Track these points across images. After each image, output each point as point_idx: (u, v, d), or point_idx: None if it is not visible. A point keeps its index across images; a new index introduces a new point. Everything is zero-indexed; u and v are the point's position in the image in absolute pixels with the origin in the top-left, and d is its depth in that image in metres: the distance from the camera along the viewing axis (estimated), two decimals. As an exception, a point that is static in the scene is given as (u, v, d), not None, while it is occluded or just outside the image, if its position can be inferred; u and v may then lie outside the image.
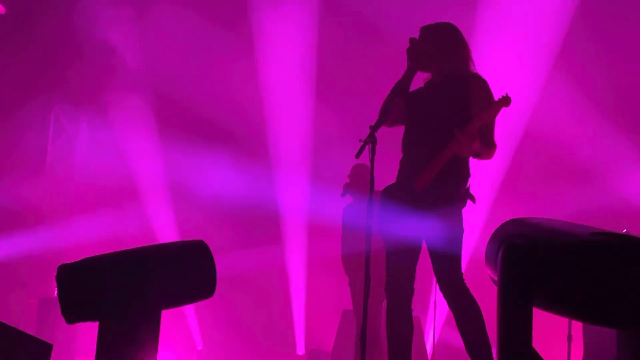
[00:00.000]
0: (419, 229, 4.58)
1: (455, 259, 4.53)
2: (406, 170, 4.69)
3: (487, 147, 4.53)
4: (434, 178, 4.51)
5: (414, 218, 4.54)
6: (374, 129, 4.35)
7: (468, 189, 4.61)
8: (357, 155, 4.31)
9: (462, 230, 4.57)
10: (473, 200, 4.59)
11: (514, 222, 3.07)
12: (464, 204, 4.59)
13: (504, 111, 4.46)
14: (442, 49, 4.68)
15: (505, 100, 4.42)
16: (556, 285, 2.74)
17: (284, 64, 10.22)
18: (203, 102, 10.05)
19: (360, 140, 4.32)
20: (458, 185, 4.59)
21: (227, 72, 10.20)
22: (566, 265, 2.69)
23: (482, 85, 4.61)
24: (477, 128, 4.43)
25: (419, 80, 4.76)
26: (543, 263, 2.74)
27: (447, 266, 4.53)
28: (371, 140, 4.32)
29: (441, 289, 4.58)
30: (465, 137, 4.40)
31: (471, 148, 4.46)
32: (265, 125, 10.32)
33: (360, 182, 7.30)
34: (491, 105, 4.45)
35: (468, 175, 4.64)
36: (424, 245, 4.68)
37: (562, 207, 8.31)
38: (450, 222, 4.52)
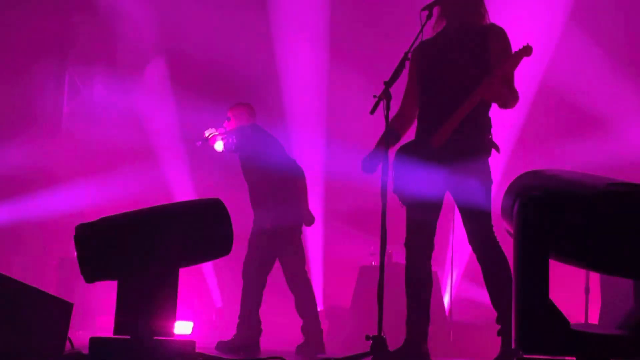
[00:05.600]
0: (441, 184, 4.55)
1: (485, 212, 4.48)
2: (425, 126, 4.65)
3: (512, 94, 4.48)
4: (452, 133, 4.47)
5: (434, 173, 4.51)
6: (388, 84, 4.33)
7: (491, 138, 4.57)
8: (372, 111, 4.31)
9: (490, 182, 4.52)
10: (497, 149, 4.55)
11: (530, 174, 3.06)
12: (489, 154, 4.55)
13: (520, 62, 4.44)
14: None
15: (527, 50, 4.40)
16: (573, 237, 2.74)
17: (298, 22, 10.15)
18: (218, 61, 10.02)
19: (374, 97, 4.31)
20: (482, 135, 4.54)
21: (241, 30, 10.14)
22: (583, 216, 2.69)
23: (500, 34, 4.56)
24: (499, 76, 4.40)
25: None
26: (560, 215, 2.74)
27: (477, 220, 4.50)
28: (386, 96, 4.31)
29: (471, 243, 4.55)
30: (493, 82, 4.38)
31: (500, 92, 4.43)
32: (280, 83, 10.28)
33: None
34: (513, 55, 4.42)
35: (490, 124, 4.59)
36: (445, 200, 4.66)
37: (579, 159, 8.26)
38: (477, 175, 4.47)
